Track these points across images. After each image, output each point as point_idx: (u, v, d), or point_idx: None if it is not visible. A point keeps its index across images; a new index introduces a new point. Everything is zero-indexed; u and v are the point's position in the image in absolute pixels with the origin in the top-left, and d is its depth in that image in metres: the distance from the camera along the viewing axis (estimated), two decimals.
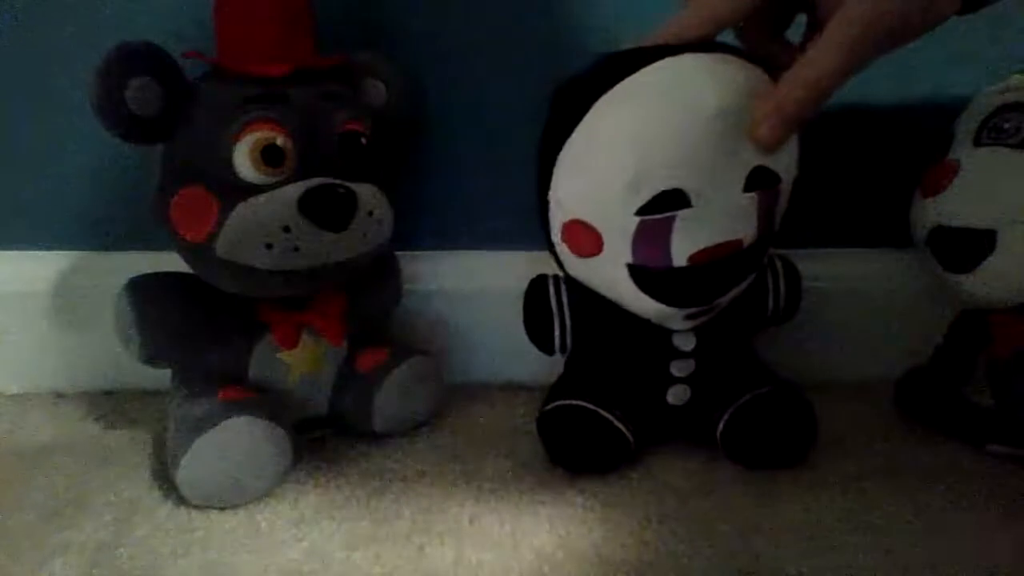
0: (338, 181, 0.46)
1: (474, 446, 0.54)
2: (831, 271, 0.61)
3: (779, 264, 0.53)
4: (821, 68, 0.36)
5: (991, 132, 0.49)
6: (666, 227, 0.42)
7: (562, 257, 0.48)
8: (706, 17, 0.40)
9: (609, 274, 0.45)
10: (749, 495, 0.49)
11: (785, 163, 0.44)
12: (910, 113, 0.59)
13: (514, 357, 0.60)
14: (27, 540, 0.45)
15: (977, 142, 0.50)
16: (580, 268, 0.47)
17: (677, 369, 0.51)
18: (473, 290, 0.60)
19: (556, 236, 0.47)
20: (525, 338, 0.55)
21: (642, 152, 0.41)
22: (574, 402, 0.51)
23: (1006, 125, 0.48)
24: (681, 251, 0.43)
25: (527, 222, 0.53)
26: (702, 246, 0.43)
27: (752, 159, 0.42)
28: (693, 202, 0.41)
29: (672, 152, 0.41)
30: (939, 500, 0.48)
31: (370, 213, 0.48)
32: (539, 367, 0.56)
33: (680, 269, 0.44)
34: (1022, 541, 0.45)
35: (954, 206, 0.49)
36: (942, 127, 0.54)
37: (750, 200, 0.43)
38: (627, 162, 0.41)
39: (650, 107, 0.41)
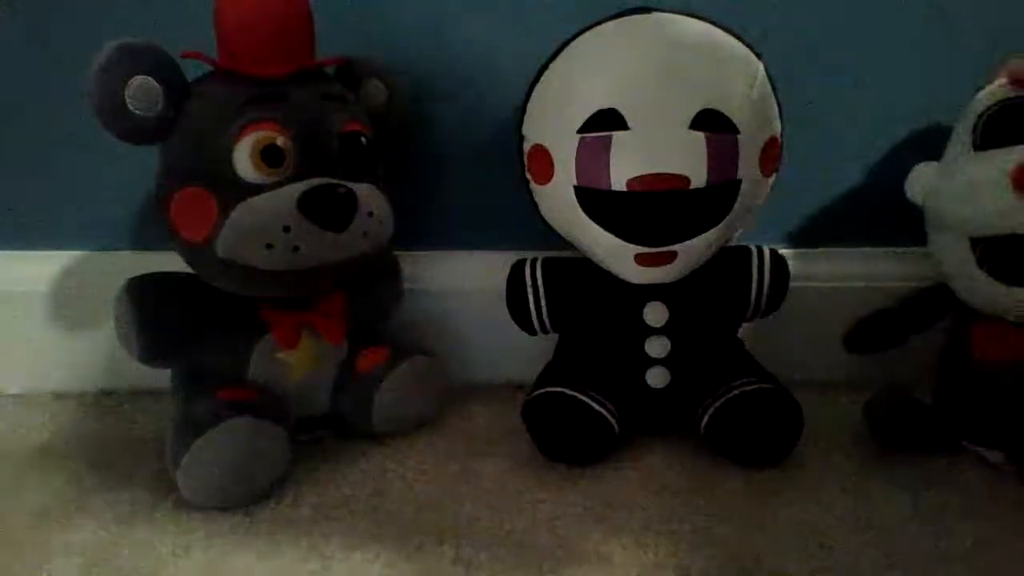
0: (338, 181, 0.46)
1: (474, 446, 0.54)
2: (831, 271, 0.61)
3: (766, 253, 0.53)
4: None
5: None
6: (604, 146, 0.45)
7: (535, 197, 0.52)
8: None
9: (563, 201, 0.48)
10: (749, 495, 0.49)
11: (746, 114, 0.46)
12: (910, 113, 0.59)
13: (514, 357, 0.60)
14: (27, 540, 0.45)
15: None
16: (545, 202, 0.51)
17: (652, 348, 0.51)
18: (473, 290, 0.60)
19: (527, 173, 0.51)
20: (524, 337, 0.56)
21: (585, 76, 0.47)
22: (556, 389, 0.52)
23: None
24: (620, 173, 0.45)
25: (526, 223, 0.54)
26: (641, 172, 0.45)
27: (701, 101, 0.45)
28: (630, 124, 0.45)
29: (610, 76, 0.46)
30: (939, 500, 0.48)
31: (370, 213, 0.48)
32: (539, 367, 0.56)
33: (621, 194, 0.46)
34: (1021, 542, 0.45)
35: None
36: (942, 127, 0.54)
37: (697, 139, 0.45)
38: (572, 85, 0.47)
39: (599, 44, 0.47)
